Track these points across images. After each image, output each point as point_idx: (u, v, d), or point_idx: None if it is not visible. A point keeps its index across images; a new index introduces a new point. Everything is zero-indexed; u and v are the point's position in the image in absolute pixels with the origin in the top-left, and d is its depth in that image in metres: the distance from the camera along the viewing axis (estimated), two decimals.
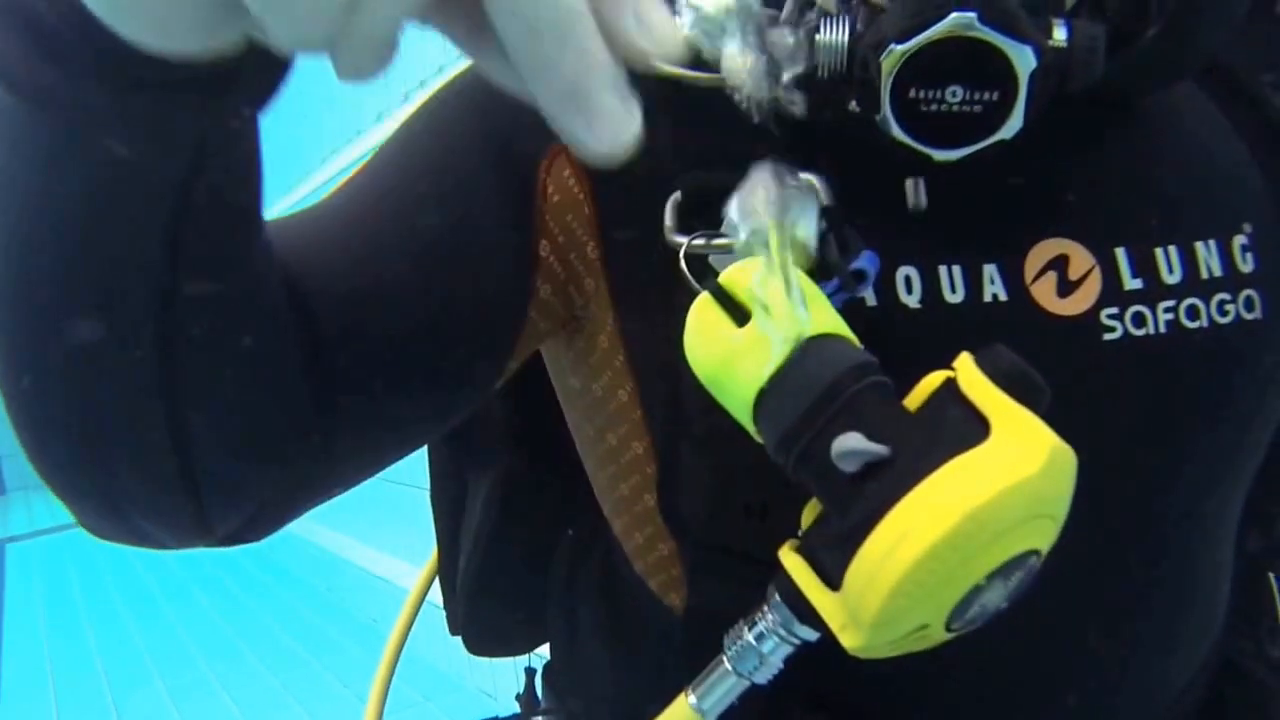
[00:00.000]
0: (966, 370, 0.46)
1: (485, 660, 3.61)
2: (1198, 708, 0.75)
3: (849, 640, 0.47)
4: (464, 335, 0.64)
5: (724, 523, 0.64)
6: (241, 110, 0.42)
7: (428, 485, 1.03)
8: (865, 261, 0.56)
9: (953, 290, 0.61)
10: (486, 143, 0.66)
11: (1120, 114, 0.66)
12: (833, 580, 0.47)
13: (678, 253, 0.59)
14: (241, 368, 0.52)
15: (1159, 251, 0.63)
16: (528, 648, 1.05)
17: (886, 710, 0.66)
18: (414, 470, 0.97)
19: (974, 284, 0.61)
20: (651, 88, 0.59)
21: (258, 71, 0.37)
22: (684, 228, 0.60)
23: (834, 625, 0.48)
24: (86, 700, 4.29)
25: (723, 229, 0.56)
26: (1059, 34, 0.54)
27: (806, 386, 0.47)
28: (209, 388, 0.51)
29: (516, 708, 1.02)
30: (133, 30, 0.32)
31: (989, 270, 0.61)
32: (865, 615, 0.44)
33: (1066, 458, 0.46)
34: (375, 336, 0.60)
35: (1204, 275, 0.63)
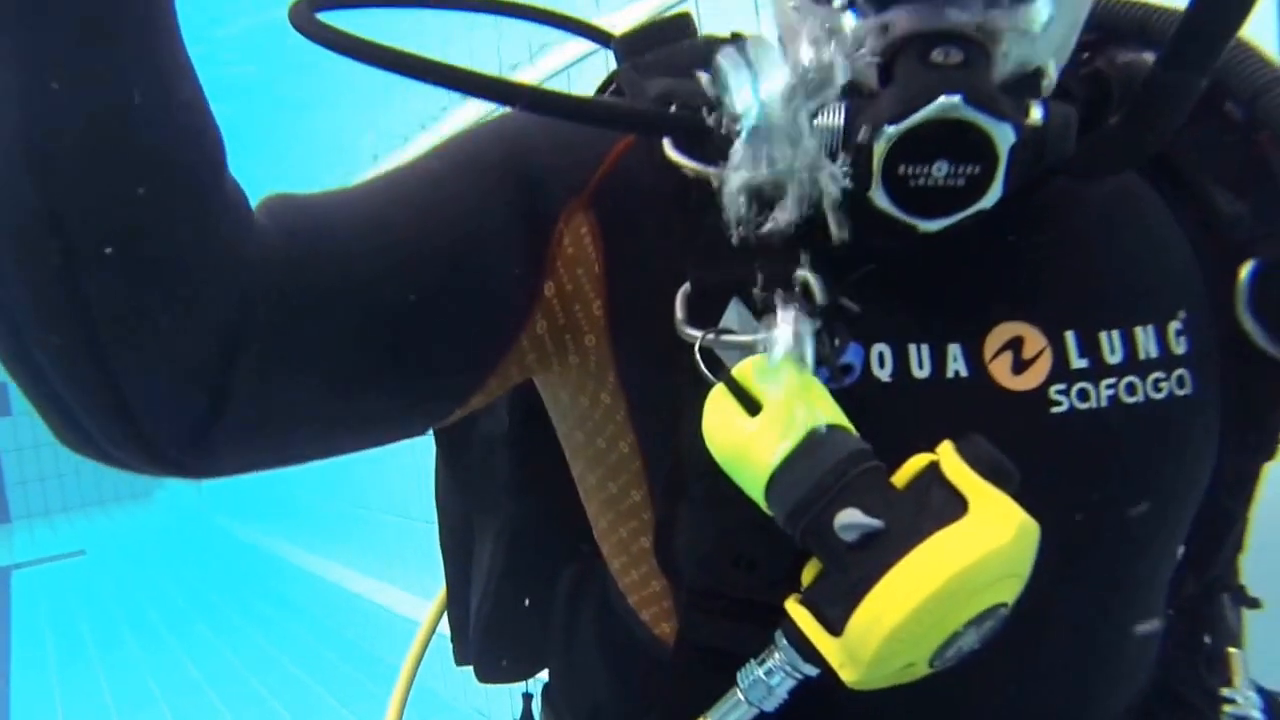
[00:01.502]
0: (948, 456, 0.56)
1: (479, 684, 3.64)
2: None
3: (847, 676, 0.57)
4: (444, 336, 0.69)
5: (716, 571, 0.71)
6: None
7: (434, 519, 1.11)
8: (851, 355, 0.65)
9: (920, 366, 0.69)
10: (517, 179, 0.72)
11: (1074, 208, 0.73)
12: (834, 628, 0.57)
13: (685, 344, 0.67)
14: (141, 252, 0.54)
15: (1103, 335, 0.71)
16: (532, 673, 1.12)
17: None
18: (423, 505, 1.05)
19: (939, 361, 0.69)
20: (667, 181, 0.70)
21: None
22: (692, 319, 0.68)
23: (835, 664, 0.57)
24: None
25: (723, 321, 0.66)
26: (1036, 114, 0.60)
27: (813, 470, 0.57)
28: (103, 267, 0.53)
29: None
30: None
31: (953, 349, 0.69)
32: (864, 656, 0.54)
33: (1032, 529, 0.56)
34: (352, 299, 0.65)
35: (1142, 356, 0.71)
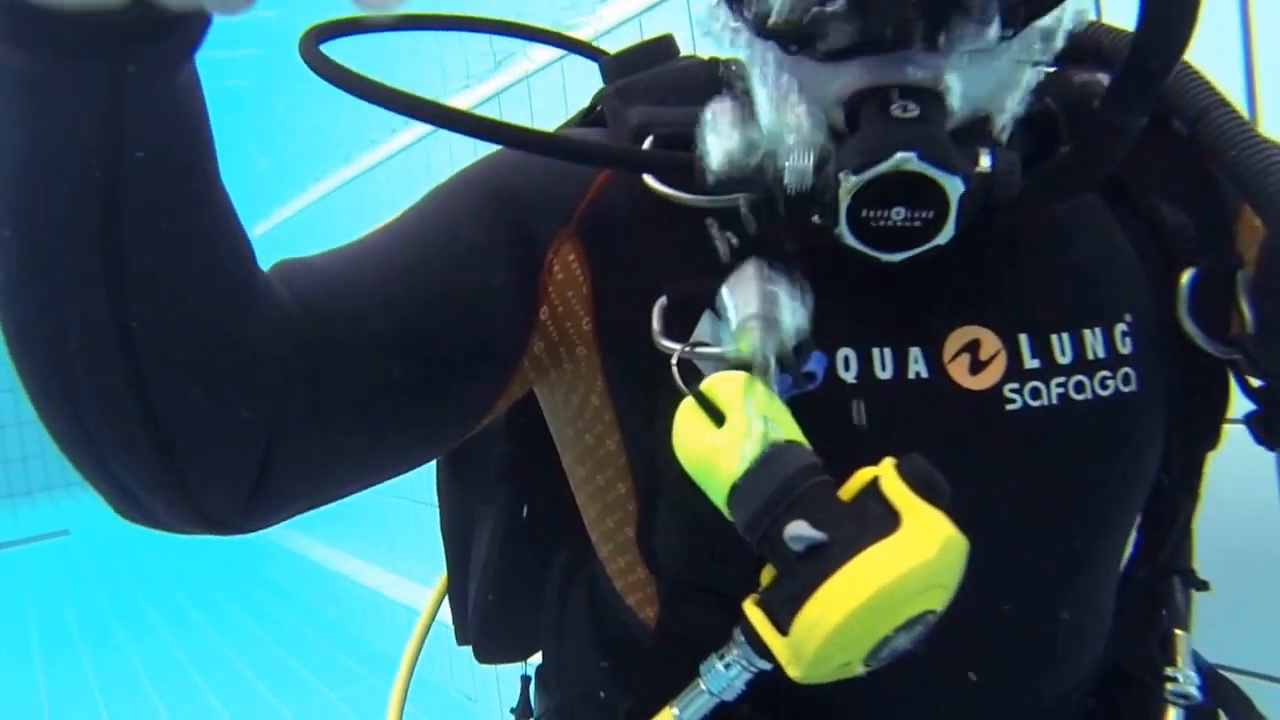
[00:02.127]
0: (887, 473, 0.61)
1: (465, 668, 3.68)
2: (1088, 708, 0.88)
3: (792, 672, 0.63)
4: (457, 374, 0.76)
5: (691, 563, 0.78)
6: (145, 66, 0.49)
7: (428, 499, 1.15)
8: (815, 363, 0.70)
9: (883, 369, 0.74)
10: (507, 221, 0.78)
11: (1030, 221, 0.79)
12: (782, 628, 0.62)
13: (663, 355, 0.73)
14: (200, 351, 0.61)
15: (1054, 337, 0.76)
16: (528, 655, 1.18)
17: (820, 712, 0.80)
18: (414, 486, 1.10)
19: (901, 363, 0.74)
20: (645, 203, 0.77)
21: (151, 28, 0.46)
22: (668, 330, 0.74)
23: (782, 661, 0.63)
24: (80, 711, 4.33)
25: (697, 334, 0.72)
26: (984, 162, 0.65)
27: (768, 483, 0.63)
28: (168, 366, 0.59)
29: (493, 709, 1.17)
30: None
31: (914, 352, 0.75)
32: (806, 655, 0.60)
33: (957, 544, 0.60)
34: (372, 352, 0.71)
35: (1090, 357, 0.77)
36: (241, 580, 6.16)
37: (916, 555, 0.57)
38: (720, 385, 0.67)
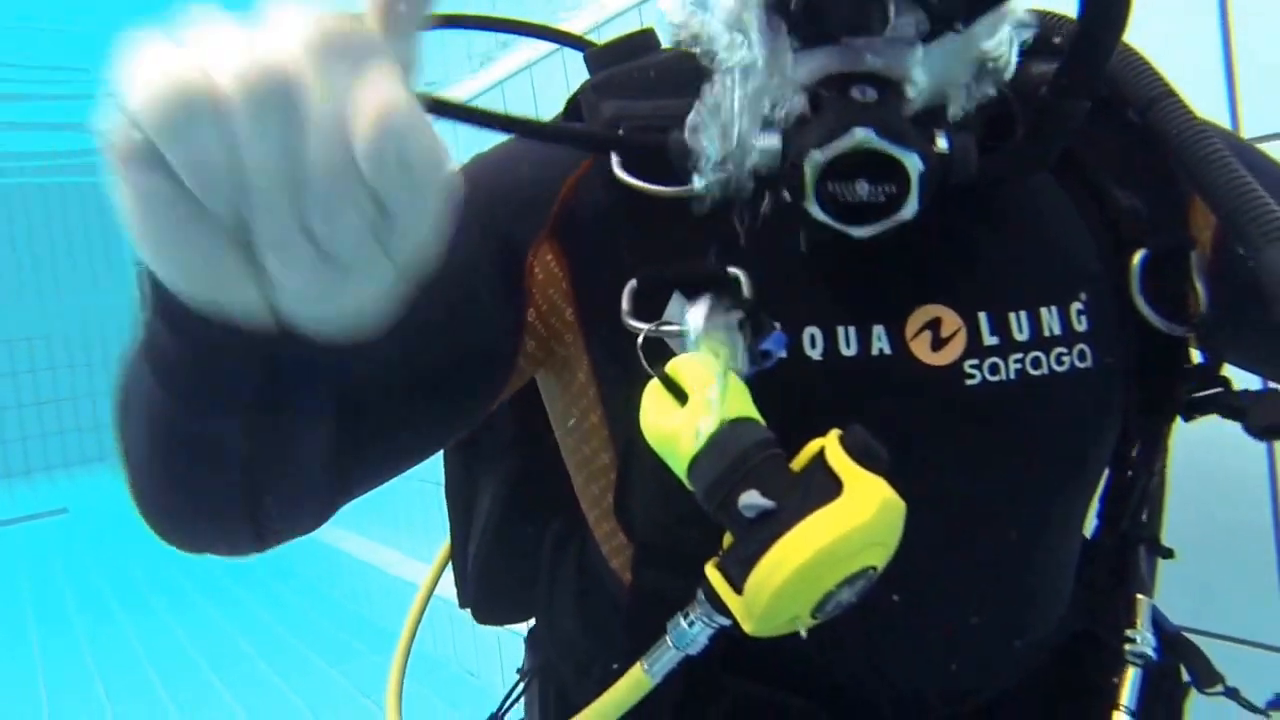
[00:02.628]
0: (831, 444, 0.67)
1: (469, 645, 3.72)
2: (1054, 666, 0.93)
3: (746, 626, 0.68)
4: (463, 380, 0.82)
5: (662, 528, 0.83)
6: (300, 351, 0.50)
7: (434, 478, 1.19)
8: (772, 343, 0.74)
9: (848, 346, 0.78)
10: (487, 234, 0.83)
11: (988, 203, 0.83)
12: (737, 587, 0.67)
13: (634, 335, 0.78)
14: (305, 475, 0.69)
15: (1012, 315, 0.81)
16: (524, 618, 1.23)
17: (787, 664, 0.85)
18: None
19: (864, 341, 0.78)
20: (616, 195, 0.82)
21: (285, 331, 0.47)
22: (638, 311, 0.78)
23: (737, 616, 0.68)
24: (78, 691, 4.36)
25: (667, 314, 0.77)
26: (941, 143, 0.70)
27: (722, 458, 0.68)
28: (278, 492, 0.67)
29: (495, 684, 1.22)
30: (181, 285, 0.44)
31: (877, 330, 0.79)
32: (756, 611, 0.65)
33: (894, 506, 0.65)
34: (394, 382, 0.77)
35: (1046, 334, 0.81)
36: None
37: (854, 518, 0.63)
38: (683, 367, 0.72)
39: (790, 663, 0.84)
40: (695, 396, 0.70)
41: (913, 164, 0.67)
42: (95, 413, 11.47)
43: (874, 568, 0.66)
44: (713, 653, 0.77)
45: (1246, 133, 1.31)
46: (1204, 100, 1.31)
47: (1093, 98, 0.74)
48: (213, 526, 0.72)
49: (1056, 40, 0.83)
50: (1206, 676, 0.96)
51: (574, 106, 0.91)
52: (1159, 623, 0.97)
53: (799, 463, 0.69)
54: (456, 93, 3.41)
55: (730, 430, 0.68)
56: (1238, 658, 1.39)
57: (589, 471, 0.91)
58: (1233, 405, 0.85)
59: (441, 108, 0.74)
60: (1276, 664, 1.38)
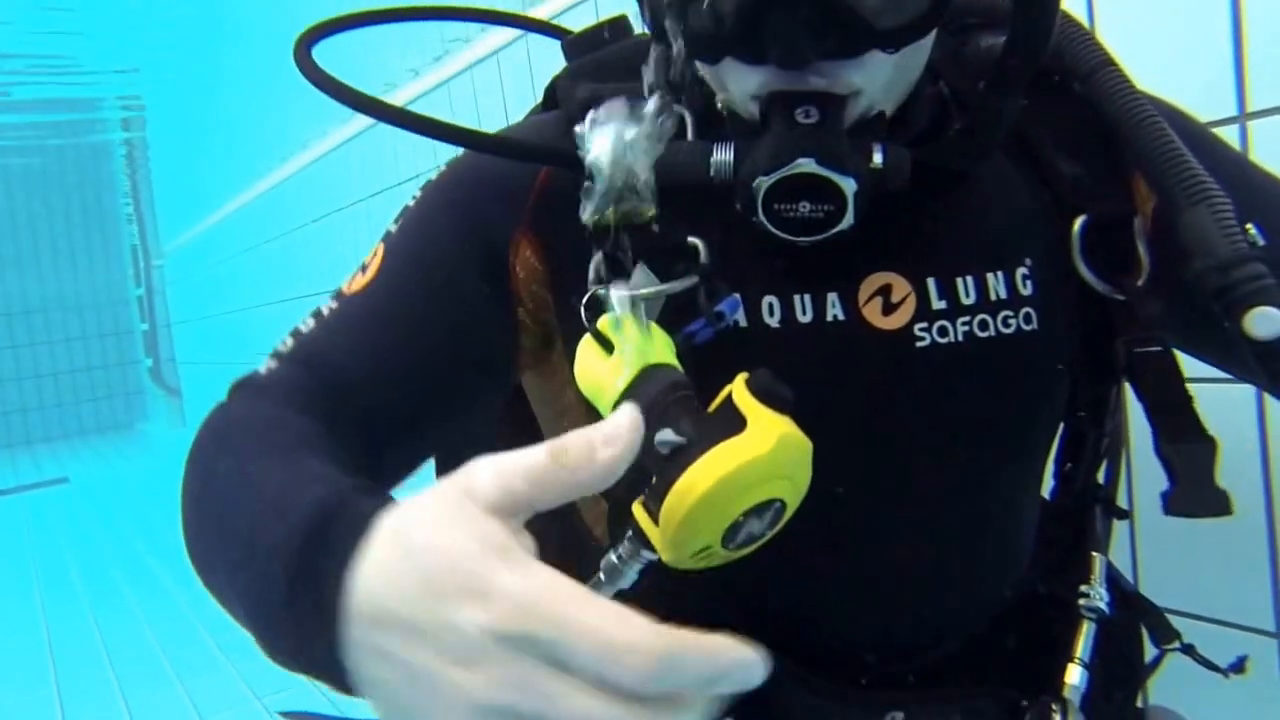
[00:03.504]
0: (738, 386, 0.69)
1: None
2: (1016, 623, 0.97)
3: (664, 556, 0.69)
4: (472, 389, 0.89)
5: (621, 481, 0.86)
6: None
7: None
8: (726, 305, 0.79)
9: (803, 313, 0.83)
10: (467, 240, 0.89)
11: (934, 178, 0.85)
12: (655, 519, 0.69)
13: (600, 298, 0.81)
14: None
15: (959, 280, 0.85)
16: None
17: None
18: None
19: (819, 308, 0.83)
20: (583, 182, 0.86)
21: None
22: (600, 281, 0.82)
23: (657, 547, 0.69)
24: (81, 649, 4.42)
25: (632, 281, 0.80)
26: (876, 158, 0.75)
27: (641, 398, 0.71)
28: None
29: None
30: None
31: (831, 297, 0.84)
32: (668, 537, 0.67)
33: (795, 441, 0.67)
34: (404, 397, 0.84)
35: (993, 298, 0.85)
36: None
37: (753, 450, 0.64)
38: (610, 322, 0.77)
39: (761, 617, 0.87)
40: (619, 348, 0.74)
41: (849, 187, 0.73)
42: (94, 385, 11.51)
43: (781, 501, 0.68)
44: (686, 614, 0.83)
45: (1254, 105, 1.32)
46: (1211, 72, 1.34)
47: (1023, 94, 0.80)
48: None
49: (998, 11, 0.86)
50: (1163, 634, 1.01)
51: (551, 92, 0.96)
52: (1117, 581, 1.01)
53: (714, 405, 0.71)
54: (426, 81, 3.46)
55: (647, 374, 0.72)
56: (1230, 641, 1.43)
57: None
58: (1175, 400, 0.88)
59: (404, 119, 0.82)
60: (1266, 647, 1.41)
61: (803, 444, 0.68)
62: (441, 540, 0.50)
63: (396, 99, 3.88)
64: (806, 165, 0.72)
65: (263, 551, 0.60)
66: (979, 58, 0.85)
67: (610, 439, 0.54)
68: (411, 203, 0.94)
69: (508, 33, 2.97)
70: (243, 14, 5.64)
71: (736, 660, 0.46)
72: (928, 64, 0.84)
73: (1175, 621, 1.02)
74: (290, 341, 0.86)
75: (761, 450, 0.64)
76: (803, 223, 0.75)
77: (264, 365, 0.84)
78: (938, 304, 0.85)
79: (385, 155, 4.10)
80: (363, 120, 4.19)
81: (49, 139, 9.71)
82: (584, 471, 0.53)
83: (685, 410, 0.70)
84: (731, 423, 0.67)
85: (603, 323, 0.77)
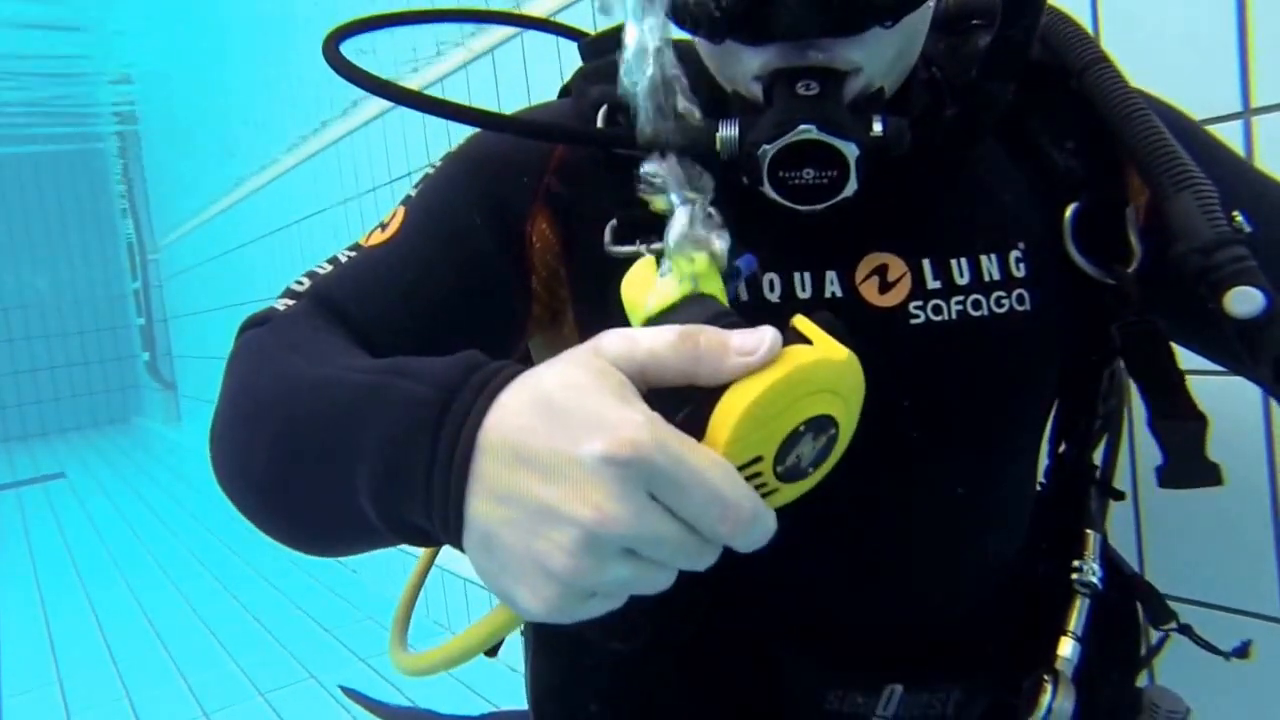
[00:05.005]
0: (801, 318, 0.66)
1: (439, 597, 3.75)
2: (1013, 600, 1.00)
3: (719, 446, 0.61)
4: (480, 342, 0.90)
5: None
6: None
7: None
8: (744, 262, 0.79)
9: (803, 289, 0.86)
10: (485, 206, 0.91)
11: (930, 162, 0.89)
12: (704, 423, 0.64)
13: (613, 263, 0.83)
14: None
15: (953, 261, 0.88)
16: None
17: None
18: None
19: (818, 285, 0.87)
20: (600, 157, 0.89)
21: None
22: (618, 244, 0.86)
23: (710, 437, 0.61)
24: (82, 643, 4.44)
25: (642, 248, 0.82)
26: (877, 127, 0.78)
27: (686, 319, 0.67)
28: None
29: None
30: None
31: (830, 275, 0.87)
32: (730, 431, 0.60)
33: (856, 363, 0.65)
34: (410, 348, 0.83)
35: (986, 279, 0.88)
36: (232, 521, 6.20)
37: (826, 354, 0.62)
38: (673, 250, 0.75)
39: (768, 590, 0.91)
40: (674, 270, 0.73)
41: (850, 151, 0.75)
42: (90, 379, 11.50)
43: (836, 427, 0.64)
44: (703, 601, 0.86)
45: (1258, 100, 1.33)
46: (1215, 67, 1.34)
47: (1018, 79, 0.84)
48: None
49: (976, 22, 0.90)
50: (1160, 614, 1.04)
51: (566, 91, 0.99)
52: (1115, 562, 1.04)
53: None
54: (432, 72, 3.46)
55: (696, 299, 0.71)
56: (1236, 627, 1.43)
57: None
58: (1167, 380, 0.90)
59: (426, 104, 0.83)
60: (1273, 633, 1.41)
61: (861, 375, 0.66)
62: (568, 379, 0.55)
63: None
64: (809, 131, 0.75)
65: (383, 410, 0.62)
66: (975, 52, 0.88)
67: (743, 349, 0.57)
68: (431, 170, 0.96)
69: (501, 32, 2.97)
70: (237, 9, 5.63)
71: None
72: (926, 56, 0.87)
73: (1181, 608, 1.04)
74: (305, 281, 0.88)
75: (836, 356, 0.63)
76: (807, 189, 0.77)
77: (278, 302, 0.86)
78: (932, 284, 0.88)
79: (378, 152, 4.10)
80: (357, 118, 4.22)
81: (43, 132, 9.69)
82: (706, 365, 0.57)
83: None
84: (797, 339, 0.64)
85: (666, 249, 0.75)
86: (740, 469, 0.59)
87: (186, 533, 6.19)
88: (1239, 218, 0.79)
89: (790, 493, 0.65)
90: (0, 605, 5.14)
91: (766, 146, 0.76)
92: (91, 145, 10.48)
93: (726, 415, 0.60)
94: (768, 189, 0.77)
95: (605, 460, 0.51)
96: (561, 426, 0.53)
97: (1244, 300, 0.75)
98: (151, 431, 10.40)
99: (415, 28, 1.05)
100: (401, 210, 0.93)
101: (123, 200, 10.73)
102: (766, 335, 0.57)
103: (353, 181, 4.43)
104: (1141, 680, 1.07)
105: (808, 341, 0.64)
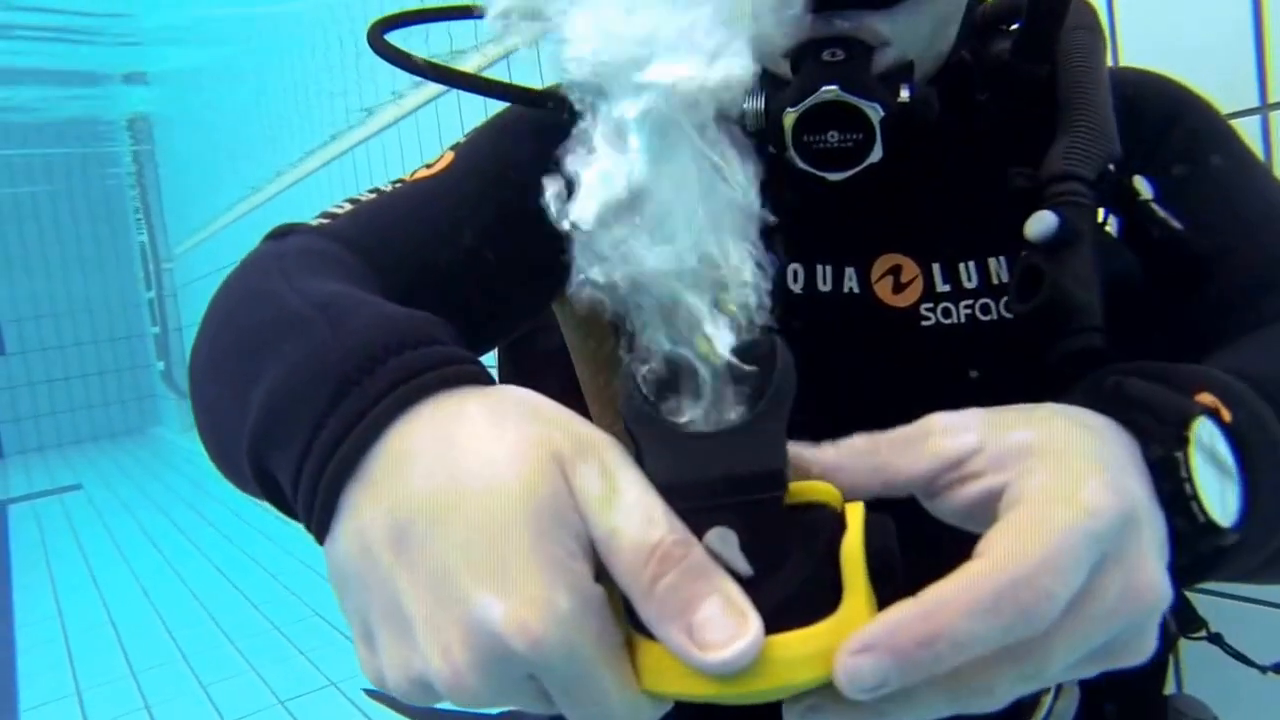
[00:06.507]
0: (852, 533, 0.47)
1: None
2: None
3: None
4: (514, 289, 0.91)
5: None
6: None
7: None
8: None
9: (824, 282, 0.88)
10: (539, 160, 0.91)
11: (944, 166, 0.90)
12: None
13: None
14: None
15: (962, 265, 0.89)
16: None
17: None
18: None
19: (838, 279, 0.88)
20: None
21: None
22: None
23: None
24: (101, 655, 4.46)
25: None
26: (904, 94, 0.77)
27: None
28: None
29: None
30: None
31: (848, 270, 0.88)
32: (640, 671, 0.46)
33: None
34: (442, 280, 0.85)
35: (995, 282, 0.89)
36: (247, 530, 6.27)
37: (808, 671, 0.43)
38: None
39: None
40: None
41: (874, 112, 0.75)
42: (105, 389, 11.55)
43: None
44: None
45: (1275, 96, 1.32)
46: (1232, 63, 1.34)
47: (1047, 60, 0.85)
48: None
49: (1012, 27, 0.90)
50: (1188, 622, 1.02)
51: None
52: None
53: (796, 496, 0.48)
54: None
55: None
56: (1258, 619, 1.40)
57: (604, 402, 1.01)
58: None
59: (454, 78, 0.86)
60: None
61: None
62: (520, 471, 0.43)
63: (403, 105, 3.90)
64: (831, 92, 0.75)
65: (296, 345, 0.55)
66: (990, 57, 0.89)
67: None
68: (485, 122, 0.99)
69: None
70: (252, 18, 5.65)
71: None
72: (960, 48, 0.88)
73: (1214, 603, 1.02)
74: (346, 205, 0.89)
75: (821, 672, 0.43)
76: (831, 154, 0.77)
77: (314, 219, 0.87)
78: (942, 286, 0.89)
79: (393, 159, 4.11)
80: (372, 126, 4.22)
81: (57, 143, 9.74)
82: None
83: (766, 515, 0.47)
84: (820, 591, 0.45)
85: None
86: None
87: (205, 542, 6.20)
88: (1141, 183, 0.83)
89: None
90: (18, 617, 5.16)
91: (790, 110, 0.76)
92: (104, 153, 10.52)
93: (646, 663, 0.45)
94: (792, 154, 0.78)
95: (491, 632, 0.41)
96: (468, 529, 0.42)
97: (1038, 223, 0.76)
98: (168, 441, 10.44)
99: (447, 24, 1.07)
100: (450, 154, 0.95)
101: (136, 208, 10.77)
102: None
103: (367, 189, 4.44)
104: (1169, 688, 1.05)
105: (836, 592, 0.45)
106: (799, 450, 0.49)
